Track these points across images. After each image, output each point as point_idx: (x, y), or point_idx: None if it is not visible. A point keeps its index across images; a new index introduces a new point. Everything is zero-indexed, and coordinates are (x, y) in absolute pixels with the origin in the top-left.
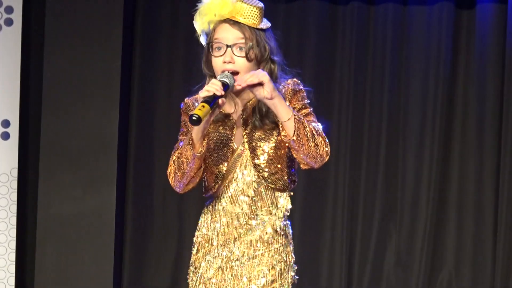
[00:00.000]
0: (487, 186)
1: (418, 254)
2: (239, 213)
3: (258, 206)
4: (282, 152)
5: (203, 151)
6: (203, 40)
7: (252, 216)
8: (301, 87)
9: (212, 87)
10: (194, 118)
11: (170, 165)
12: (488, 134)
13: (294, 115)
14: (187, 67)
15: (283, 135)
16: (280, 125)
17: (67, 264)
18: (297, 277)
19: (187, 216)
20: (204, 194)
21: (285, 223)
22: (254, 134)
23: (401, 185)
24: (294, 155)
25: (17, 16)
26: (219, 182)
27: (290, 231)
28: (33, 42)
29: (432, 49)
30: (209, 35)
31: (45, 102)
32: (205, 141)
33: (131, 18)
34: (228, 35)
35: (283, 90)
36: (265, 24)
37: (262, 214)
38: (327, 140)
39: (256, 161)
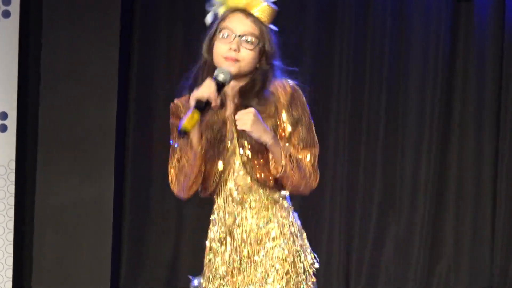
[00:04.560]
0: (485, 176)
1: (417, 244)
2: (239, 211)
3: (256, 202)
4: None
5: (202, 148)
6: (209, 20)
7: (253, 213)
8: (303, 98)
9: (206, 91)
10: (183, 133)
11: (171, 171)
12: (487, 123)
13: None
14: (187, 55)
15: (272, 168)
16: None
17: (65, 255)
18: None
19: (186, 205)
20: (201, 195)
21: (291, 215)
22: (245, 131)
23: (399, 175)
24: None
25: (14, 8)
26: (217, 180)
27: (298, 222)
28: (30, 33)
29: (430, 39)
30: (219, 20)
31: (43, 93)
32: (202, 139)
33: (129, 6)
34: (240, 25)
35: (278, 90)
36: (273, 27)
37: (262, 210)
38: (317, 172)
39: (245, 159)
